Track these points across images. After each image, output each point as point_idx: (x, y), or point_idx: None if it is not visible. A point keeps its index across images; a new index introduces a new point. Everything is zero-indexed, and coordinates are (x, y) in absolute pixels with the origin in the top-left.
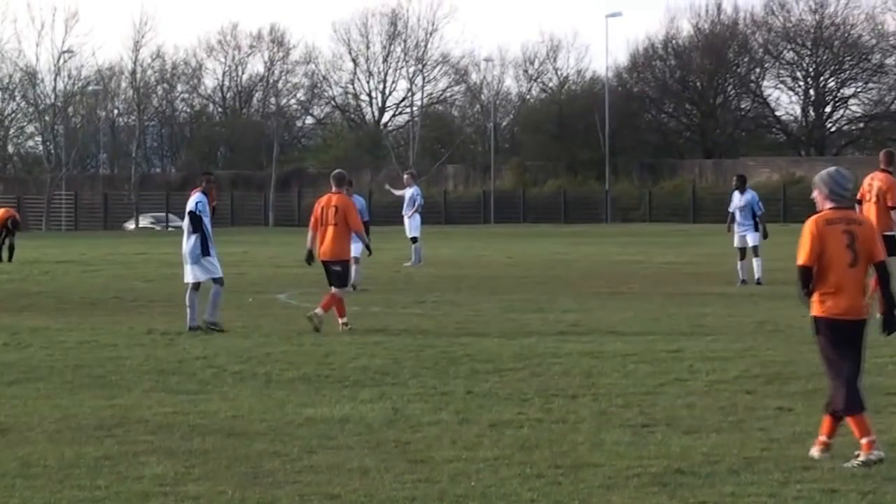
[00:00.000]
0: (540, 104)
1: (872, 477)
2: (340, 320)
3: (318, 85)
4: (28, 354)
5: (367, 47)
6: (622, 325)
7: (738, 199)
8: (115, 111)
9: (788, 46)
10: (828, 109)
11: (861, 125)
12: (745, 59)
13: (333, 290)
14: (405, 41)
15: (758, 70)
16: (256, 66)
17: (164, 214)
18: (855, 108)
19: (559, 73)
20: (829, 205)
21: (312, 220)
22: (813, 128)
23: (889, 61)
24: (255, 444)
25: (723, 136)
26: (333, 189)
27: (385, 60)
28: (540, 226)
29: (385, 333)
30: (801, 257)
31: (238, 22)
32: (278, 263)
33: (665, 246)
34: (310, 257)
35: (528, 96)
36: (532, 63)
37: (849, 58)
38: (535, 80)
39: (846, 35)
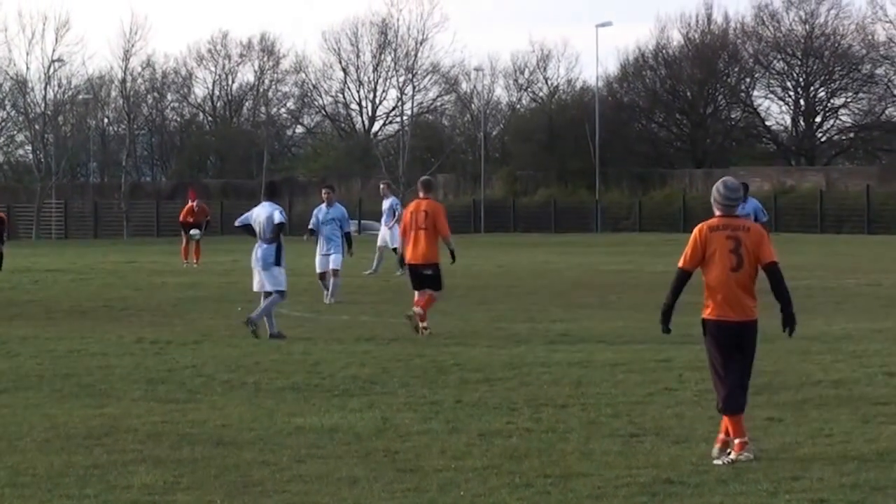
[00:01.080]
0: (530, 114)
1: (861, 487)
2: (421, 324)
3: (309, 94)
4: (17, 363)
5: (358, 56)
6: (611, 334)
7: (740, 208)
8: (105, 120)
9: (778, 56)
10: (818, 119)
11: (851, 135)
12: (736, 69)
13: (429, 292)
14: (395, 50)
15: (748, 80)
16: (246, 75)
17: (370, 222)
18: (845, 117)
19: (549, 82)
20: (717, 212)
21: (402, 225)
22: (803, 137)
23: (879, 71)
24: (244, 454)
25: (713, 145)
26: (422, 195)
27: (375, 70)
28: (530, 235)
29: (374, 342)
30: (681, 259)
31: (228, 31)
32: None
33: (655, 255)
34: (402, 261)
35: (518, 106)
36: (522, 72)
37: (839, 68)
38: (526, 90)
39: (836, 45)
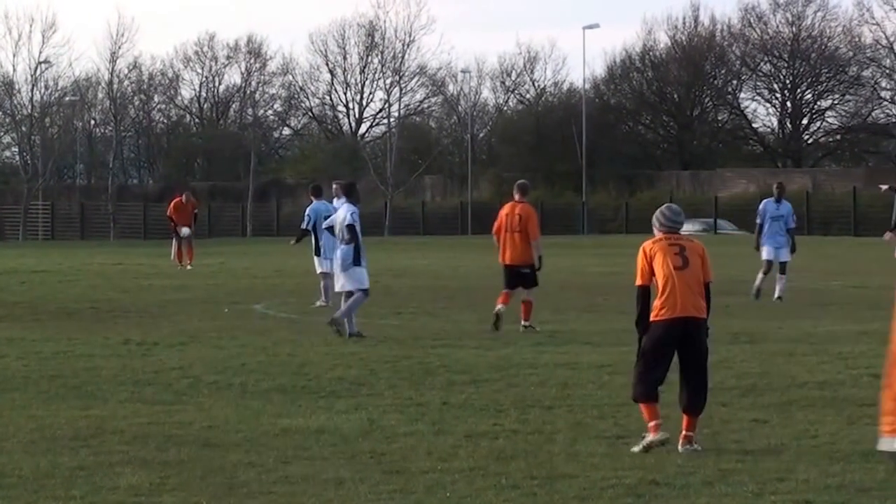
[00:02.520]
0: (517, 116)
1: (846, 488)
2: (524, 322)
3: (296, 96)
4: (3, 364)
5: (345, 58)
6: (598, 336)
7: (772, 209)
8: (92, 122)
9: (765, 58)
10: (805, 121)
11: (838, 137)
12: (723, 72)
13: (525, 295)
14: (382, 52)
15: (735, 82)
16: (234, 77)
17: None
18: (832, 119)
19: (536, 84)
20: (659, 234)
21: (496, 226)
22: (790, 139)
23: (866, 73)
24: (230, 455)
25: (700, 147)
26: (517, 198)
27: (362, 72)
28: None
29: (361, 344)
30: (636, 278)
31: (215, 33)
32: (255, 274)
33: None
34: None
35: (505, 108)
36: (509, 74)
37: (826, 70)
38: (513, 92)
39: (823, 47)
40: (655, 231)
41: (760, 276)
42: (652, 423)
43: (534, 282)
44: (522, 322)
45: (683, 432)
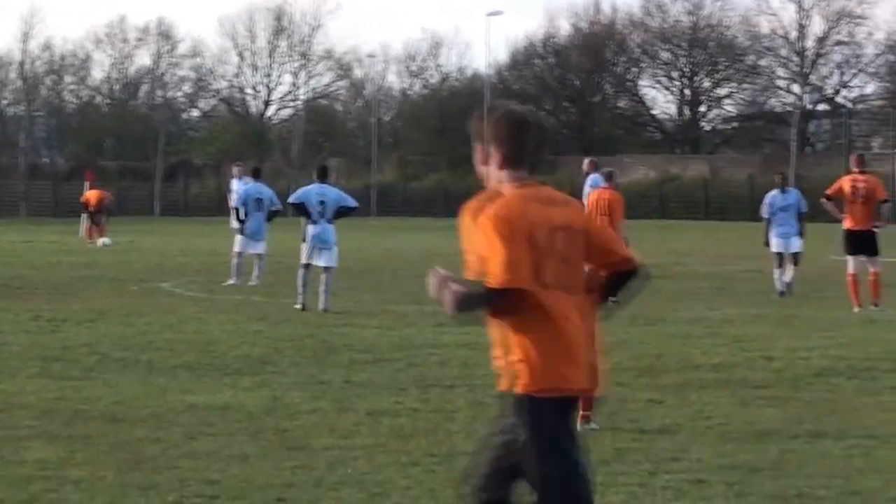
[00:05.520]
0: (422, 100)
1: (739, 468)
2: None
3: (205, 78)
4: None
5: (253, 42)
6: None
7: (779, 200)
8: (4, 101)
9: (665, 47)
10: (702, 108)
11: (735, 125)
12: (623, 59)
13: None
14: (290, 36)
15: (635, 69)
16: (144, 58)
17: None
18: (729, 107)
19: (441, 69)
20: None
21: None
22: (688, 126)
23: (762, 63)
24: (136, 430)
25: (601, 133)
26: (604, 184)
27: (270, 55)
28: (420, 219)
29: (266, 322)
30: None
31: (126, 15)
32: (163, 253)
33: None
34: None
35: (410, 92)
36: (414, 59)
37: (723, 59)
38: (418, 76)
39: (721, 36)
40: None
41: (776, 271)
42: (582, 414)
43: None
44: None
45: (581, 412)
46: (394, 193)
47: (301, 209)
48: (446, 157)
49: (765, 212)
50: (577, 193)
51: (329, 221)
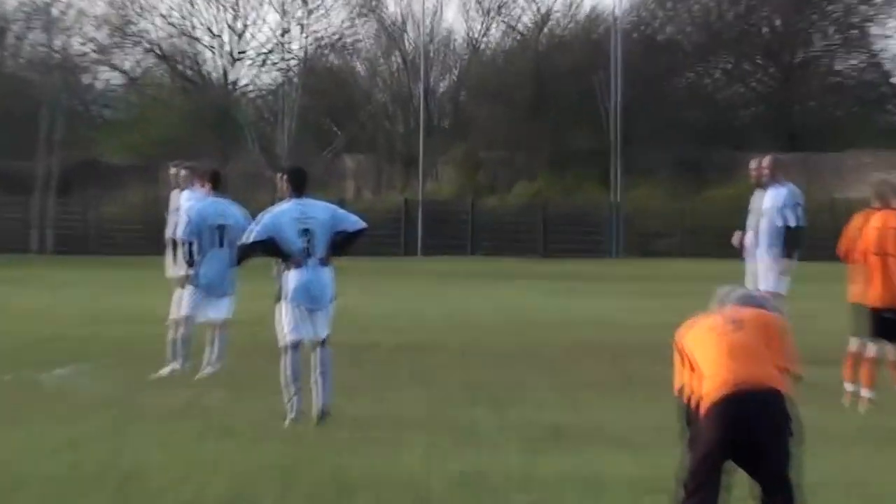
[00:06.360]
0: (505, 57)
1: None
2: (867, 394)
3: (130, 20)
4: None
5: None
6: (633, 432)
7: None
8: None
9: None
10: None
11: None
12: None
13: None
14: None
15: (864, 7)
16: None
17: None
18: None
19: (537, 5)
20: None
21: (846, 244)
22: None
23: None
24: None
25: (811, 114)
26: (878, 203)
27: None
28: (501, 260)
29: (231, 440)
30: None
31: None
32: (54, 318)
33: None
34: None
35: (483, 42)
36: None
37: None
38: (497, 16)
39: None
40: None
41: None
42: None
43: None
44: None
45: None
46: (454, 216)
47: (269, 247)
48: (547, 154)
49: None
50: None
51: (322, 262)
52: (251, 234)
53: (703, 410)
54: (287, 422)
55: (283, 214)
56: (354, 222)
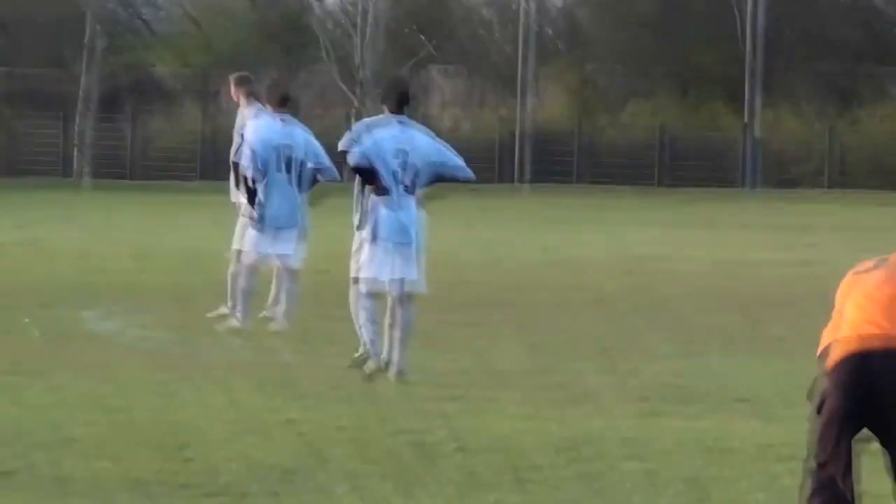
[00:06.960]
0: None
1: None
2: None
3: None
4: None
5: None
6: (758, 389)
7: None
8: None
9: None
10: None
11: None
12: None
13: None
14: None
15: None
16: None
17: None
18: None
19: None
20: None
21: None
22: None
23: None
24: None
25: None
26: None
27: None
28: (614, 191)
29: (301, 402)
30: None
31: None
32: (91, 253)
33: (860, 238)
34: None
35: None
36: None
37: None
38: None
39: None
40: None
41: None
42: None
43: None
44: None
45: None
46: (560, 142)
47: (365, 173)
48: (669, 74)
49: None
50: None
51: (409, 192)
52: (349, 153)
53: (829, 366)
54: (365, 368)
55: (383, 138)
56: (462, 168)
